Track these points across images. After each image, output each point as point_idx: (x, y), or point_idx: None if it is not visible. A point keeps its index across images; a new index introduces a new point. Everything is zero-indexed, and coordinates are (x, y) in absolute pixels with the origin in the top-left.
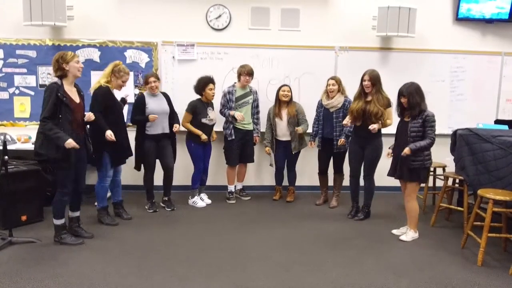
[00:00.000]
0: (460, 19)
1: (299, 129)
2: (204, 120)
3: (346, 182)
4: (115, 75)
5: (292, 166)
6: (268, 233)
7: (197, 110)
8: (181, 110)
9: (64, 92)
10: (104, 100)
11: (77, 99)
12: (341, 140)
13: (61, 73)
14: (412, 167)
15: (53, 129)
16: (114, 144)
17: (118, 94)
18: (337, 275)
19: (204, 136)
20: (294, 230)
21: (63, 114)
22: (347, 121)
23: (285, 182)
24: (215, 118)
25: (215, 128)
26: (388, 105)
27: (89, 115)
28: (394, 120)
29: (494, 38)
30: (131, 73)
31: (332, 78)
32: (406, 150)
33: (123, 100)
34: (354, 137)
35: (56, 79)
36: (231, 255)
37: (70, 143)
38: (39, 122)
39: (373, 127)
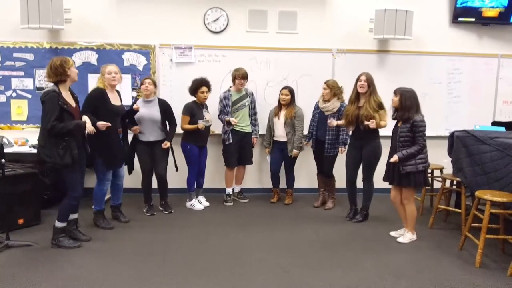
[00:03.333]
0: (458, 9)
1: (295, 153)
2: (200, 122)
3: (342, 184)
4: (102, 74)
5: (290, 169)
6: (267, 235)
7: (193, 111)
8: (178, 113)
9: (64, 99)
10: (94, 102)
11: (73, 103)
12: (341, 150)
13: (61, 78)
14: (403, 172)
15: (66, 126)
16: (105, 148)
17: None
18: (335, 277)
19: (201, 125)
20: (292, 232)
21: (66, 121)
22: (331, 121)
23: (283, 184)
24: (211, 119)
25: (215, 131)
26: (380, 107)
27: (102, 125)
28: (389, 122)
29: (490, 40)
30: (128, 76)
31: (324, 83)
32: (394, 158)
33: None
34: (352, 142)
35: (50, 86)
36: (229, 258)
37: (90, 126)
38: (36, 126)
39: (370, 122)
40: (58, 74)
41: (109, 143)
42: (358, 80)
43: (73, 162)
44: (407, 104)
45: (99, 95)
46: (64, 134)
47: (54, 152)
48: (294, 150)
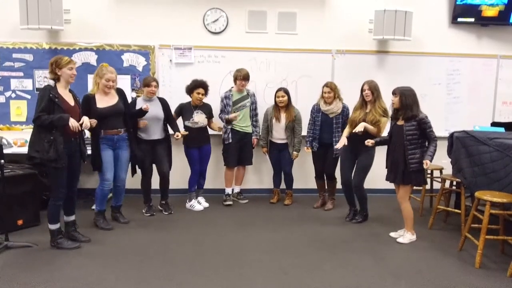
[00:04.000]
0: (458, 7)
1: (295, 155)
2: (187, 123)
3: (340, 185)
4: (98, 76)
5: (287, 170)
6: (266, 236)
7: (183, 112)
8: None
9: (57, 93)
10: (82, 107)
11: (71, 102)
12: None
13: (54, 76)
14: (411, 170)
15: (49, 117)
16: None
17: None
18: (335, 277)
19: (177, 134)
20: (292, 233)
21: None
22: (340, 145)
23: (283, 185)
24: (202, 121)
25: (214, 132)
26: (384, 114)
27: (86, 123)
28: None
29: (489, 41)
30: (128, 76)
31: (326, 86)
32: (427, 163)
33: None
34: (347, 146)
35: (51, 82)
36: (229, 258)
37: (74, 122)
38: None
39: (369, 142)
40: (50, 72)
41: (93, 144)
42: (362, 90)
43: (58, 157)
44: (408, 102)
45: (85, 101)
46: (49, 126)
47: (41, 146)
48: (294, 152)
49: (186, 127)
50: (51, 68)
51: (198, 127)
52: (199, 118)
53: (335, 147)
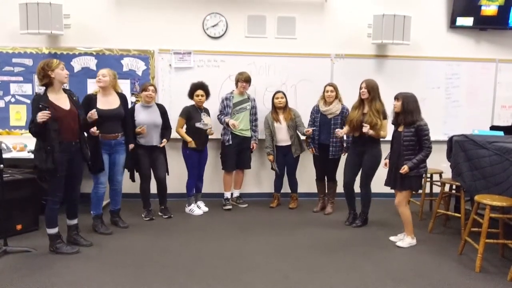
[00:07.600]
0: (457, 4)
1: (309, 131)
2: (198, 125)
3: (341, 189)
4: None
5: (292, 173)
6: (266, 240)
7: (190, 114)
8: (177, 118)
9: (47, 101)
10: (83, 106)
11: (66, 106)
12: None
13: (47, 80)
14: (406, 175)
15: (32, 125)
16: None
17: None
18: (335, 281)
19: (192, 144)
20: (292, 237)
21: (47, 123)
22: (341, 132)
23: (285, 189)
24: (210, 123)
25: (214, 135)
26: (384, 116)
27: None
28: (389, 132)
29: (488, 45)
30: (127, 81)
31: (330, 85)
32: (405, 169)
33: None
34: (352, 147)
35: (41, 89)
36: (229, 263)
37: (41, 114)
38: None
39: (366, 128)
40: (42, 78)
41: (92, 146)
42: (360, 87)
43: (54, 167)
44: (410, 107)
45: (85, 100)
46: (41, 131)
47: (40, 156)
48: (306, 129)
49: (196, 130)
50: (44, 72)
51: (207, 128)
52: (207, 120)
53: (337, 133)
